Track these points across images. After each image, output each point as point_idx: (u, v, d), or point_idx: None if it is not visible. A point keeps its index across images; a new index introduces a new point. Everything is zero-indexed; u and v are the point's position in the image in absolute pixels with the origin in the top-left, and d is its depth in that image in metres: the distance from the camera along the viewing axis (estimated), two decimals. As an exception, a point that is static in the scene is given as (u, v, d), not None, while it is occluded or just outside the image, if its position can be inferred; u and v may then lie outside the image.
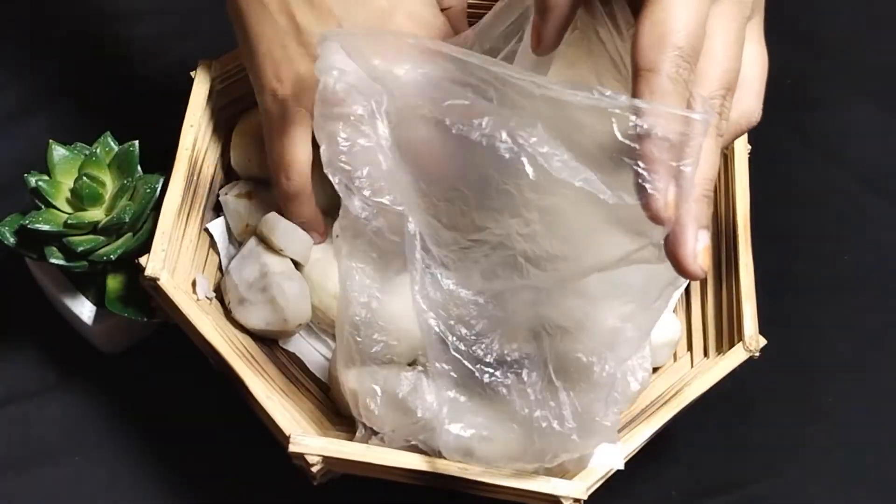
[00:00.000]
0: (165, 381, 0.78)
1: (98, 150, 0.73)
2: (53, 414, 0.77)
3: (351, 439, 0.64)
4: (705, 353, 0.73)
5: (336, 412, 0.71)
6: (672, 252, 0.52)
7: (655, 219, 0.51)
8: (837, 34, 0.97)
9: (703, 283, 0.76)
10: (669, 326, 0.73)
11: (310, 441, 0.62)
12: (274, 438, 0.64)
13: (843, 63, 0.95)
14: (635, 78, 0.53)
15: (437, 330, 0.60)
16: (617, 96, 0.51)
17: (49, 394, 0.77)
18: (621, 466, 0.65)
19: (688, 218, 0.52)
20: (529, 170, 0.53)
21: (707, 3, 0.53)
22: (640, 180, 0.50)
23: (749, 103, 0.59)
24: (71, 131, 0.80)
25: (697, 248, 0.52)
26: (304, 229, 0.72)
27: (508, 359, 0.61)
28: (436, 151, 0.59)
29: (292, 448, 0.62)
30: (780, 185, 0.88)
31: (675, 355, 0.75)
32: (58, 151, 0.72)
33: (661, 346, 0.73)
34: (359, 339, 0.62)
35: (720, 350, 0.71)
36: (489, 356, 0.61)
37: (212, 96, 0.75)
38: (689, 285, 0.76)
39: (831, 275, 0.86)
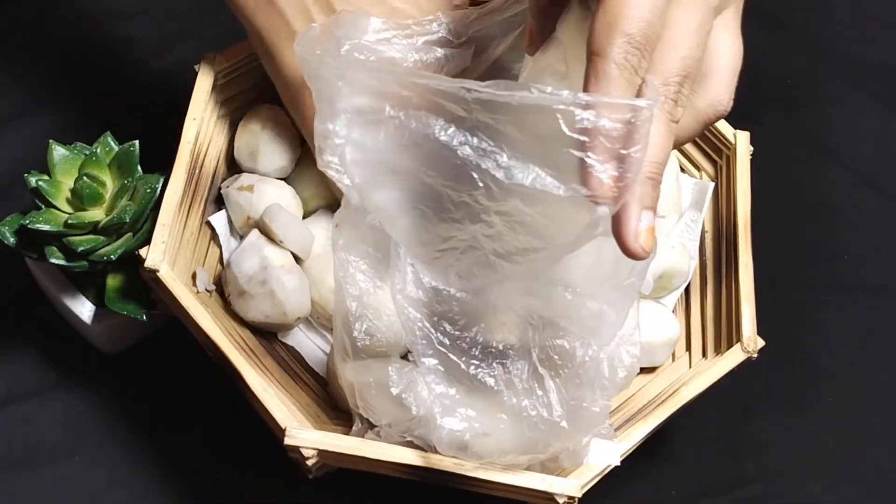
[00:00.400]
0: (165, 381, 0.78)
1: (98, 150, 0.73)
2: (53, 414, 0.77)
3: (348, 434, 0.64)
4: (704, 354, 0.73)
5: (334, 406, 0.71)
6: (615, 231, 0.53)
7: (593, 198, 0.51)
8: (837, 34, 0.97)
9: (703, 283, 0.76)
10: (668, 326, 0.73)
11: (305, 434, 0.62)
12: (271, 432, 0.64)
13: (843, 63, 0.96)
14: (588, 62, 0.53)
15: (420, 326, 0.60)
16: (558, 92, 0.51)
17: (49, 394, 0.77)
18: (617, 462, 0.64)
19: (631, 199, 0.52)
20: (478, 179, 0.54)
21: None
22: (582, 164, 0.51)
23: (718, 92, 0.60)
24: (71, 131, 0.80)
25: (639, 227, 0.52)
26: None
27: (493, 350, 0.62)
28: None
29: (288, 441, 0.62)
30: (780, 185, 0.88)
31: (673, 355, 0.74)
32: (58, 151, 0.73)
33: (660, 345, 0.73)
34: (352, 332, 0.63)
35: (718, 350, 0.71)
36: (474, 349, 0.62)
37: (215, 90, 0.75)
38: (688, 285, 0.76)
39: (831, 275, 0.86)
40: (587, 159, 0.51)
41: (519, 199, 0.54)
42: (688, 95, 0.55)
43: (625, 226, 0.52)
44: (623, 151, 0.51)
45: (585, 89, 0.53)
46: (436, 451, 0.62)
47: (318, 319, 0.73)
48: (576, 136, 0.51)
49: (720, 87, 0.60)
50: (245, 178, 0.76)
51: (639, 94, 0.53)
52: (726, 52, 0.60)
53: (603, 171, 0.51)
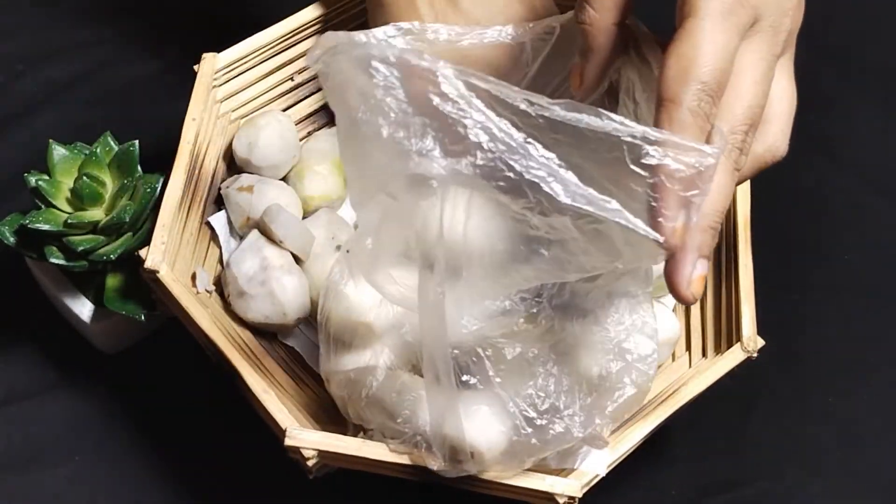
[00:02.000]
0: (165, 381, 0.78)
1: (98, 150, 0.73)
2: (53, 414, 0.77)
3: (348, 435, 0.64)
4: (703, 354, 0.73)
5: (334, 407, 0.71)
6: (668, 275, 0.54)
7: (664, 246, 0.52)
8: (837, 34, 0.97)
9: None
10: (668, 326, 0.73)
11: (306, 435, 0.62)
12: (271, 433, 0.64)
13: (843, 63, 0.95)
14: (657, 108, 0.54)
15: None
16: (631, 125, 0.52)
17: (49, 394, 0.77)
18: (603, 473, 0.65)
19: (690, 246, 0.53)
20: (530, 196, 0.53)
21: (736, 39, 0.54)
22: (650, 207, 0.52)
23: (775, 138, 0.60)
24: (71, 131, 0.80)
25: (693, 275, 0.54)
26: None
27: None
28: None
29: (288, 442, 0.62)
30: (780, 185, 0.87)
31: (673, 355, 0.75)
32: (58, 151, 0.73)
33: (660, 345, 0.72)
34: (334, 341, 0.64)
35: (718, 350, 0.71)
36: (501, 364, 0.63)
37: (215, 90, 0.75)
38: (688, 285, 0.76)
39: (831, 275, 0.86)
40: (660, 206, 0.51)
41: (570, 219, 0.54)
42: (751, 143, 0.56)
43: (679, 273, 0.53)
44: (683, 194, 0.52)
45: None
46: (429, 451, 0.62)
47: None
48: (639, 170, 0.52)
49: (778, 133, 0.60)
50: (245, 179, 0.76)
51: (707, 141, 0.53)
52: (782, 97, 0.60)
53: (674, 220, 0.52)
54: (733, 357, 0.69)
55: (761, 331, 0.69)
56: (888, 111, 0.94)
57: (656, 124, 0.53)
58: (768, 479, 0.77)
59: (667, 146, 0.51)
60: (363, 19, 0.83)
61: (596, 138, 0.52)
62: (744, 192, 0.74)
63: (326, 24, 0.80)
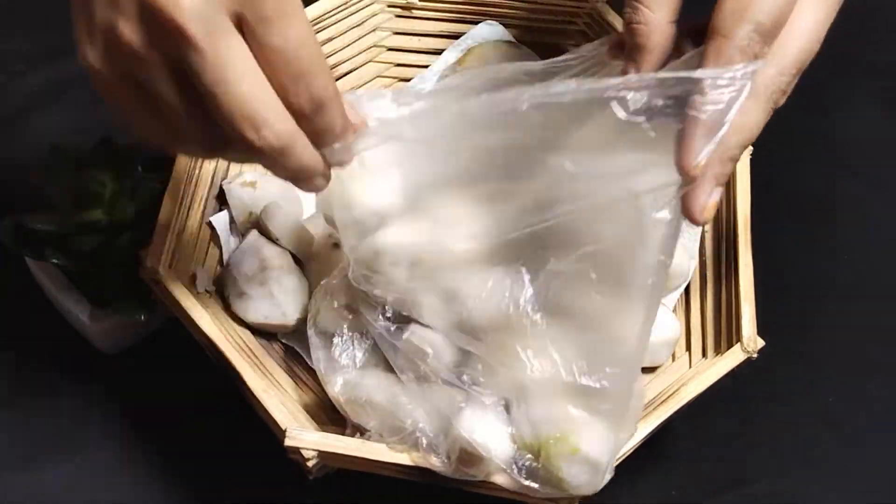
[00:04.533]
0: (165, 381, 0.78)
1: (98, 150, 0.73)
2: (53, 414, 0.77)
3: (348, 436, 0.64)
4: (703, 354, 0.73)
5: (333, 407, 0.71)
6: (685, 198, 0.56)
7: (684, 173, 0.54)
8: (837, 34, 0.97)
9: (703, 283, 0.76)
10: (668, 326, 0.73)
11: (306, 436, 0.63)
12: (271, 433, 0.64)
13: (843, 63, 0.95)
14: (708, 39, 0.55)
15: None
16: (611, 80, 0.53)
17: (49, 394, 0.77)
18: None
19: (709, 174, 0.55)
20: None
21: None
22: (682, 139, 0.53)
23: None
24: (71, 131, 0.80)
25: (708, 202, 0.56)
26: (304, 180, 0.55)
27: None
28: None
29: (288, 442, 0.62)
30: (780, 185, 0.88)
31: (673, 355, 0.75)
32: (58, 151, 0.73)
33: (660, 345, 0.73)
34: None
35: (718, 351, 0.71)
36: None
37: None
38: (688, 285, 0.76)
39: (831, 275, 0.86)
40: (685, 139, 0.53)
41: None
42: (792, 86, 0.57)
43: (695, 199, 0.55)
44: (711, 126, 0.53)
45: (702, 65, 0.54)
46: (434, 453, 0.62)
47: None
48: (637, 119, 0.53)
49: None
50: (248, 175, 0.76)
51: None
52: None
53: (698, 153, 0.53)
54: (733, 357, 0.69)
55: (761, 331, 0.69)
56: (888, 111, 0.94)
57: (704, 53, 0.54)
58: (768, 479, 0.76)
59: (700, 81, 0.53)
60: (363, 19, 0.83)
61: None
62: (744, 192, 0.74)
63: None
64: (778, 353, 0.73)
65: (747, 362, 0.69)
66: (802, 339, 0.82)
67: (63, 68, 0.91)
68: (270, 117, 0.50)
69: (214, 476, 0.75)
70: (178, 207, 0.70)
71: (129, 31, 0.51)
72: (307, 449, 0.62)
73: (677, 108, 0.53)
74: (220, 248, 0.76)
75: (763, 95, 0.55)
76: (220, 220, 0.76)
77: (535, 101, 0.54)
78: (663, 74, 0.54)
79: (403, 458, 0.63)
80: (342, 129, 0.54)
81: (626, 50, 0.59)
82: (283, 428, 0.63)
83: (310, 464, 0.63)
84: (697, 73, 0.53)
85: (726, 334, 0.71)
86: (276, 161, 0.52)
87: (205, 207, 0.75)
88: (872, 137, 0.93)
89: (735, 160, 0.56)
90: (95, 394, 0.77)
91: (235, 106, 0.50)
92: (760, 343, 0.69)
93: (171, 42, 0.49)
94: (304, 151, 0.53)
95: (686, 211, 0.56)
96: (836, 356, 0.82)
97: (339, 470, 0.66)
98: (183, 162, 0.71)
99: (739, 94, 0.53)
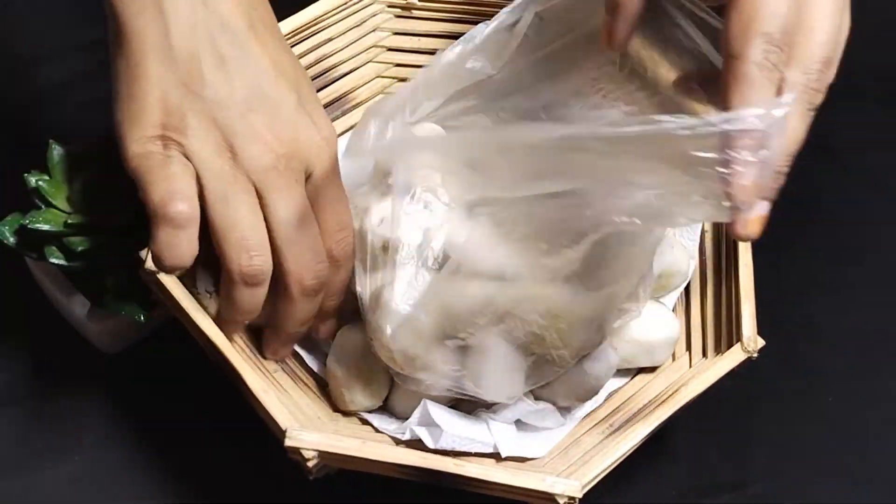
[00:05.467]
0: (165, 381, 0.78)
1: (98, 150, 0.73)
2: (53, 414, 0.77)
3: (348, 436, 0.64)
4: (704, 354, 0.73)
5: (334, 408, 0.71)
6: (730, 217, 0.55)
7: (738, 203, 0.54)
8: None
9: (703, 283, 0.76)
10: (668, 326, 0.73)
11: (306, 436, 0.62)
12: (271, 433, 0.64)
13: (843, 63, 0.95)
14: (724, 65, 0.54)
15: None
16: (684, 118, 0.52)
17: (49, 394, 0.77)
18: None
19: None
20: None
21: None
22: (726, 176, 0.53)
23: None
24: (71, 131, 0.80)
25: (751, 215, 0.55)
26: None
27: None
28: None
29: (288, 443, 0.62)
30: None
31: (673, 355, 0.74)
32: (58, 151, 0.73)
33: (660, 345, 0.73)
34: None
35: (719, 350, 0.71)
36: None
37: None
38: (688, 285, 0.76)
39: (831, 275, 0.86)
40: (730, 170, 0.53)
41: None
42: (828, 81, 0.56)
43: (741, 216, 0.55)
44: (760, 155, 0.53)
45: (725, 93, 0.53)
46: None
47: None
48: (703, 154, 0.53)
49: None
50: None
51: (779, 92, 0.53)
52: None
53: (744, 179, 0.53)
54: (733, 357, 0.69)
55: (761, 331, 0.69)
56: (888, 111, 0.94)
57: (723, 81, 0.54)
58: (768, 479, 0.76)
59: (732, 121, 0.52)
60: (363, 19, 0.83)
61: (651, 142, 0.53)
62: (744, 192, 0.74)
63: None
64: (778, 353, 0.73)
65: (747, 362, 0.69)
66: (802, 339, 0.82)
67: (63, 68, 0.91)
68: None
69: (214, 476, 0.75)
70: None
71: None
72: (307, 449, 0.62)
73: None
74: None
75: (797, 103, 0.54)
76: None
77: (604, 135, 0.54)
78: (703, 120, 0.53)
79: (403, 458, 0.63)
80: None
81: (605, 4, 0.60)
82: (283, 428, 0.62)
83: (310, 464, 0.63)
84: (738, 115, 0.52)
85: (726, 334, 0.71)
86: (312, 303, 0.66)
87: (205, 207, 0.75)
88: (872, 138, 0.93)
89: (782, 172, 0.56)
90: (95, 394, 0.77)
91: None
92: (760, 343, 0.69)
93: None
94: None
95: (731, 227, 0.56)
96: (836, 356, 0.82)
97: (339, 470, 0.66)
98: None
99: (781, 127, 0.53)
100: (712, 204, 0.54)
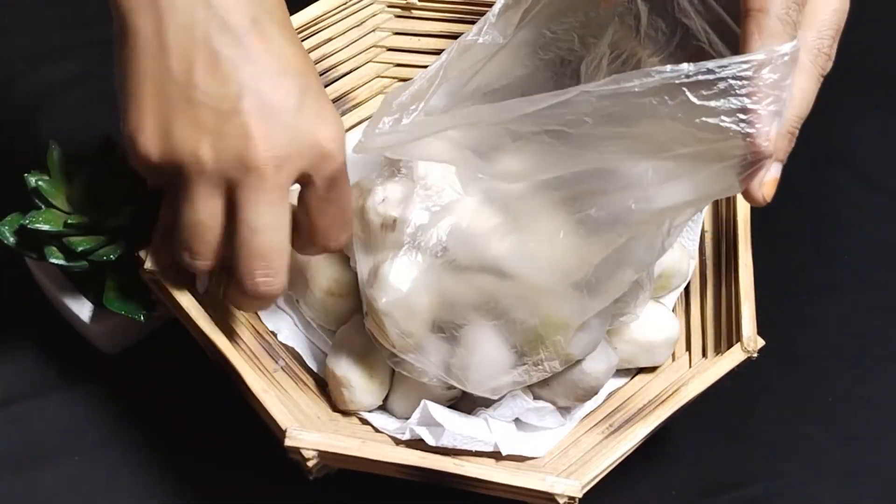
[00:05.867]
0: (165, 381, 0.78)
1: (98, 150, 0.73)
2: (53, 414, 0.77)
3: (348, 435, 0.64)
4: (704, 354, 0.73)
5: (333, 408, 0.71)
6: (744, 181, 0.56)
7: (757, 153, 0.54)
8: (840, 35, 0.97)
9: (703, 283, 0.76)
10: (668, 326, 0.73)
11: (306, 436, 0.62)
12: (271, 433, 0.64)
13: (843, 64, 0.95)
14: (745, 17, 0.55)
15: None
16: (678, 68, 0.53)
17: (49, 394, 0.77)
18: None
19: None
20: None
21: None
22: (744, 121, 0.53)
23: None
24: (71, 131, 0.80)
25: (766, 178, 0.56)
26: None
27: None
28: None
29: (288, 442, 0.62)
30: (780, 185, 0.87)
31: (673, 355, 0.75)
32: (58, 151, 0.73)
33: (660, 345, 0.73)
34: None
35: (718, 350, 0.71)
36: None
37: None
38: (688, 285, 0.76)
39: (831, 275, 0.86)
40: (753, 116, 0.53)
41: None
42: (834, 51, 0.57)
43: (756, 176, 0.55)
44: (777, 104, 0.53)
45: (747, 45, 0.54)
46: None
47: (316, 320, 0.74)
48: (710, 103, 0.53)
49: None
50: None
51: None
52: None
53: (768, 126, 0.53)
54: (733, 357, 0.69)
55: (761, 331, 0.69)
56: (888, 111, 0.94)
57: (744, 33, 0.54)
58: (768, 479, 0.76)
59: (750, 63, 0.52)
60: (363, 19, 0.83)
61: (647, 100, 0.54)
62: (744, 192, 0.74)
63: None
64: (778, 353, 0.73)
65: (747, 362, 0.69)
66: (802, 339, 0.82)
67: (63, 68, 0.91)
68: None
69: (214, 476, 0.75)
70: (178, 207, 0.70)
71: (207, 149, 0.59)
72: (307, 449, 0.62)
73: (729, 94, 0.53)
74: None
75: (809, 64, 0.56)
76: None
77: (604, 91, 0.54)
78: (714, 63, 0.53)
79: (403, 457, 0.63)
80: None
81: None
82: (283, 428, 0.63)
83: (310, 464, 0.63)
84: (751, 57, 0.53)
85: (726, 334, 0.71)
86: (258, 303, 0.64)
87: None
88: (872, 137, 0.93)
89: (794, 135, 0.56)
90: (95, 394, 0.77)
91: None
92: (760, 343, 0.69)
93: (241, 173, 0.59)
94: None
95: (747, 191, 0.56)
96: (836, 356, 0.82)
97: (339, 470, 0.66)
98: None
99: (792, 68, 0.53)
100: (730, 167, 0.54)
